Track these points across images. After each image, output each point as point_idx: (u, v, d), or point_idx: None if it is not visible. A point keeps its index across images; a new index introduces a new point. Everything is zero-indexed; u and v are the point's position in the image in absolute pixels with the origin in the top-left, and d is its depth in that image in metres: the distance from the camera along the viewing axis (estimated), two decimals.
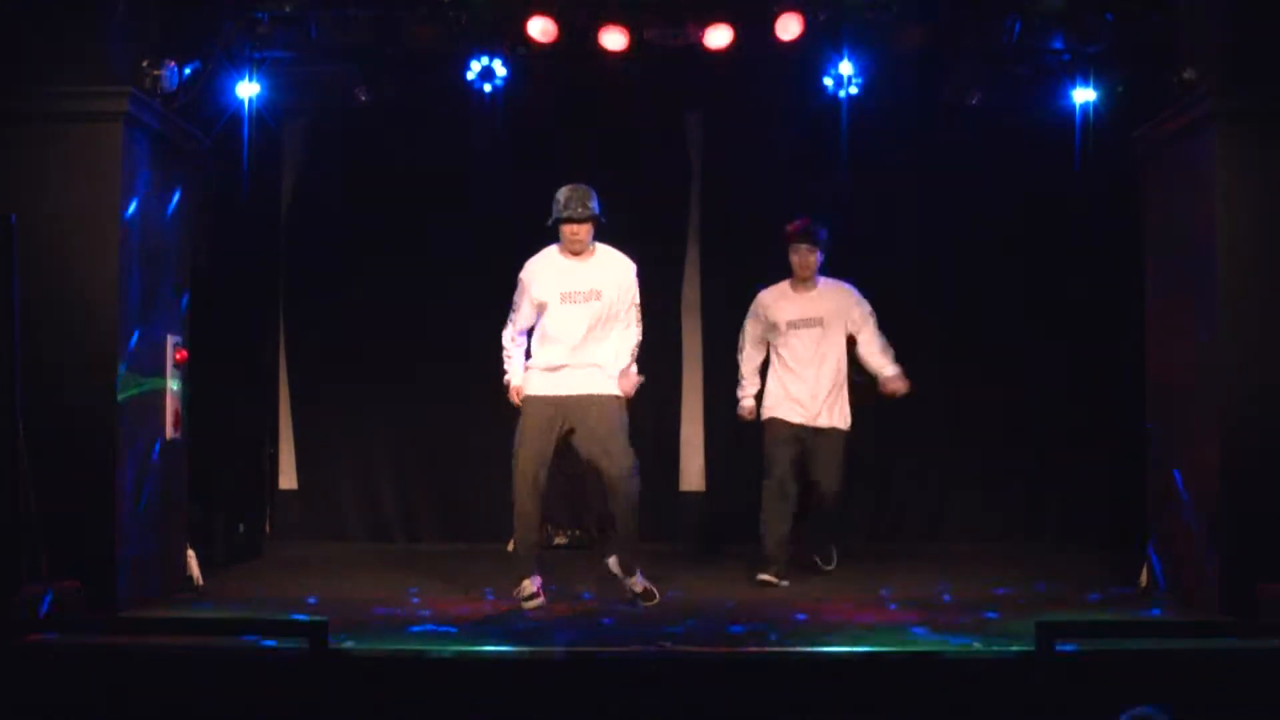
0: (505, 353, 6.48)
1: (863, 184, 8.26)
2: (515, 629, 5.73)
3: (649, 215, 8.35)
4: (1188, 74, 6.29)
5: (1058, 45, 7.11)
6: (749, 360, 7.18)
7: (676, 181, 8.83)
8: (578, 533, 8.52)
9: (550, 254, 6.38)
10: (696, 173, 8.86)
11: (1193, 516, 6.29)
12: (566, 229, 6.25)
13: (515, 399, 6.42)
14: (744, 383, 7.20)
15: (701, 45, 7.15)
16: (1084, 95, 7.38)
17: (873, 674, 5.01)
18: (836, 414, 7.00)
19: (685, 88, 8.33)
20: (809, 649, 5.32)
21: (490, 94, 7.44)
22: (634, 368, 6.40)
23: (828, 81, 7.44)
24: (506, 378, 6.47)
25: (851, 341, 7.05)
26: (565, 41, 7.16)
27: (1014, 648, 5.17)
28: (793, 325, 6.99)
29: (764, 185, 8.49)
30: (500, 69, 7.32)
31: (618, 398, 6.31)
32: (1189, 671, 4.92)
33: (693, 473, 8.88)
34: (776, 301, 7.06)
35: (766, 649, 5.31)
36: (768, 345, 7.13)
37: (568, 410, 6.27)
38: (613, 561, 6.42)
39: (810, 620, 5.98)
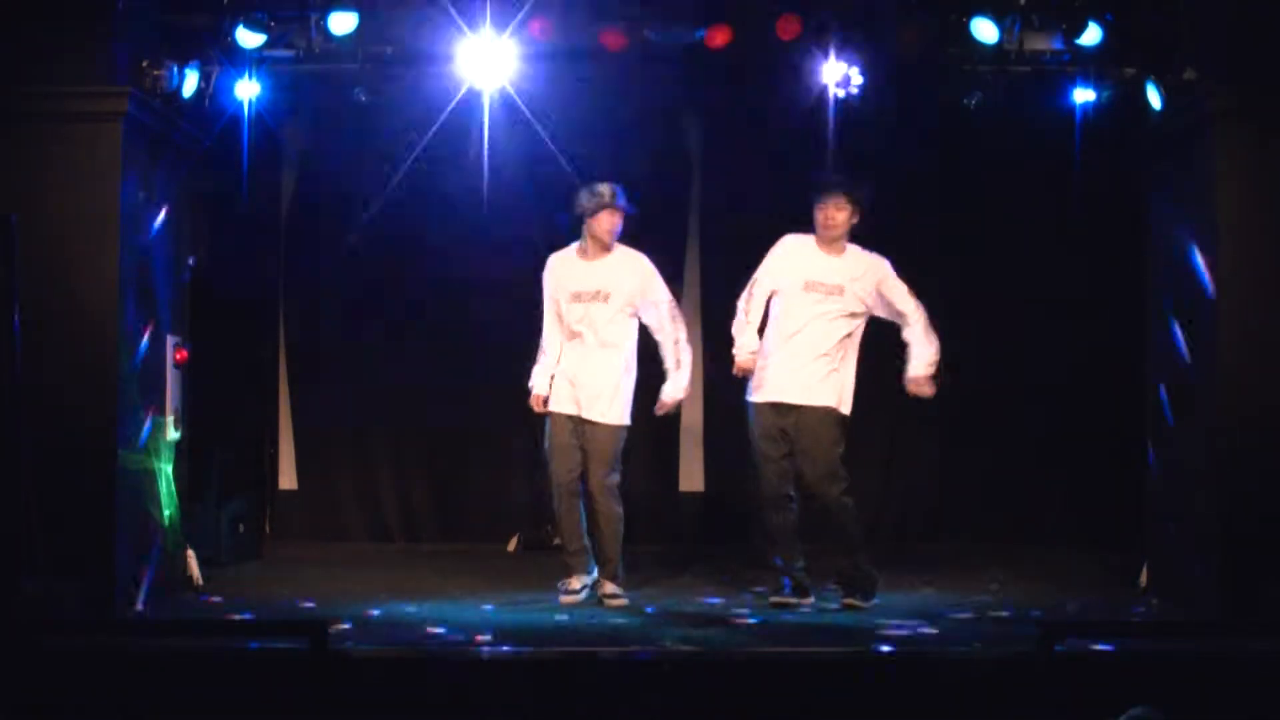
0: (540, 352, 6.49)
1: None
2: (515, 629, 5.72)
3: (649, 215, 8.33)
4: (1188, 74, 6.29)
5: (1058, 45, 7.10)
6: (754, 310, 6.21)
7: (676, 181, 8.82)
8: None
9: (568, 252, 6.40)
10: (696, 172, 8.86)
11: (1192, 517, 6.29)
12: (606, 215, 6.24)
13: (536, 406, 6.40)
14: (747, 328, 6.20)
15: (701, 45, 7.15)
16: (1084, 95, 7.37)
17: (873, 674, 5.01)
18: (829, 391, 6.05)
19: (685, 88, 8.32)
20: (809, 649, 5.32)
21: (490, 94, 7.42)
22: (686, 375, 6.33)
23: (827, 81, 7.43)
24: (531, 381, 6.46)
25: (894, 328, 6.27)
26: (565, 41, 7.16)
27: (1014, 648, 5.17)
28: (805, 287, 6.08)
29: (764, 185, 8.48)
30: (501, 69, 7.31)
31: (618, 427, 6.31)
32: (1189, 671, 4.92)
33: (693, 473, 8.87)
34: (798, 251, 6.16)
35: (767, 649, 5.31)
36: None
37: (578, 427, 6.30)
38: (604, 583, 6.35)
39: (809, 620, 5.97)
